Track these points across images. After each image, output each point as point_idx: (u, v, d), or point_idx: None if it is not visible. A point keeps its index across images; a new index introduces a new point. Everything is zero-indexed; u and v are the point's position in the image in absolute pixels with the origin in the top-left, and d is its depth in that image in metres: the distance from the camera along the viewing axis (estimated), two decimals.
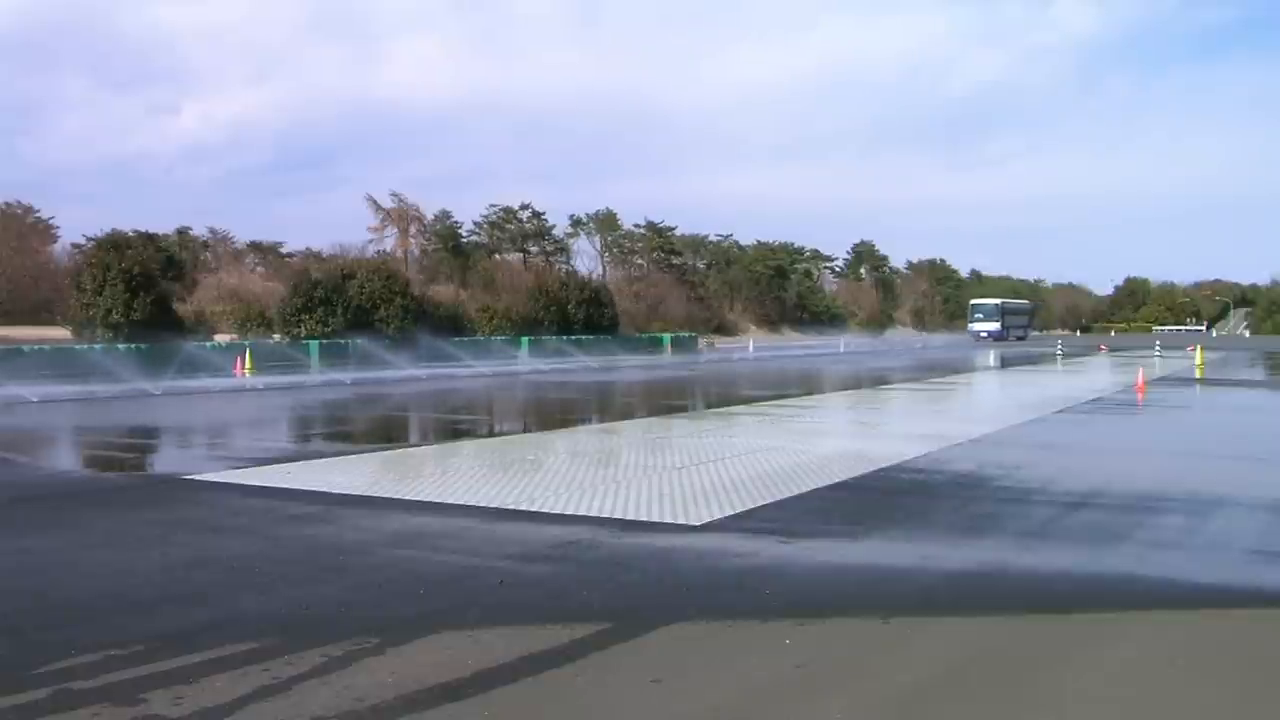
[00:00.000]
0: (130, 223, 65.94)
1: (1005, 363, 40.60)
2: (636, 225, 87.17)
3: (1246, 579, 6.48)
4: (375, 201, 71.97)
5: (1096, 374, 32.24)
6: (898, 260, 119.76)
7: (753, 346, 55.69)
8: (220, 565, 6.59)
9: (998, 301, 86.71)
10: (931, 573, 6.44)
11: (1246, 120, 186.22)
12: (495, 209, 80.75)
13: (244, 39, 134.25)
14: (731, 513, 8.25)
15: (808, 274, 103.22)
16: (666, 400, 22.67)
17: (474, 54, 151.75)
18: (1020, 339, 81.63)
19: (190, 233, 72.03)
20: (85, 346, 32.51)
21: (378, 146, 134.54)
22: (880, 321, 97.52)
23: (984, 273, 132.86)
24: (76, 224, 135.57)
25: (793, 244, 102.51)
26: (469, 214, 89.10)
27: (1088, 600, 5.85)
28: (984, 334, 78.30)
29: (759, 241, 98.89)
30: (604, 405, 21.88)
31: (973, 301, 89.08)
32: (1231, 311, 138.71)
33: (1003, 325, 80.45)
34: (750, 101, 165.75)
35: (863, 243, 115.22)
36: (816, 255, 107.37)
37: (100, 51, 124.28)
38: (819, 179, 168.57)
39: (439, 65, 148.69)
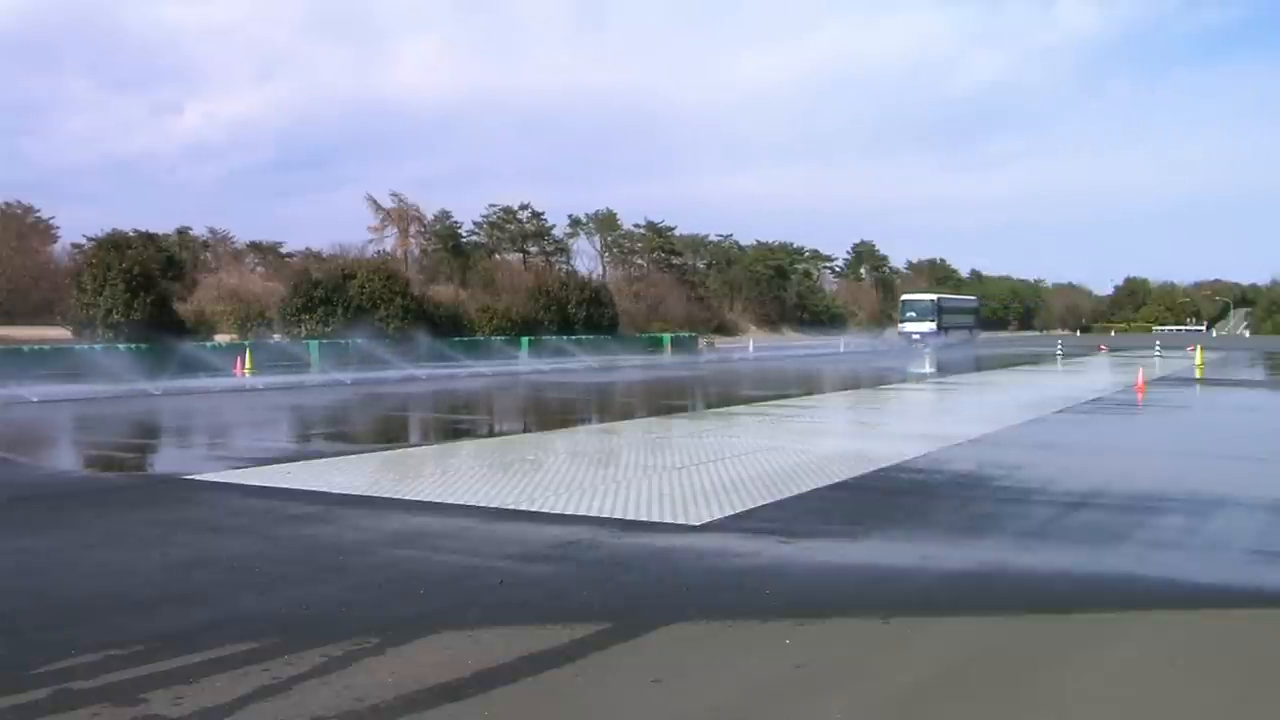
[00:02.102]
0: (131, 222, 65.87)
1: (1000, 365, 40.57)
2: (636, 225, 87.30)
3: (1246, 579, 6.48)
4: (375, 201, 72.05)
5: (1096, 374, 32.24)
6: (898, 260, 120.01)
7: (753, 346, 55.61)
8: (220, 565, 6.59)
9: (933, 297, 73.94)
10: (931, 573, 6.44)
11: (1247, 120, 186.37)
12: (495, 209, 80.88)
13: (247, 39, 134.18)
14: (731, 513, 8.25)
15: (808, 274, 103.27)
16: (666, 400, 22.67)
17: (476, 54, 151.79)
18: (963, 341, 69.11)
19: (190, 233, 72.13)
20: (85, 346, 32.51)
21: (379, 146, 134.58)
22: (880, 321, 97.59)
23: (984, 273, 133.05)
24: (77, 224, 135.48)
25: (793, 244, 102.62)
26: (470, 213, 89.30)
27: (1088, 600, 5.85)
28: (916, 336, 65.57)
29: (759, 241, 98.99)
30: (604, 405, 21.88)
31: (904, 298, 75.48)
32: (1231, 311, 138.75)
33: (940, 325, 68.04)
34: (751, 102, 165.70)
35: (863, 243, 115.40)
36: (816, 255, 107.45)
37: (103, 51, 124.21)
38: (819, 179, 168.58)
39: (442, 65, 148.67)
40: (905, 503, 9.02)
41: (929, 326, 66.81)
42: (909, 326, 68.11)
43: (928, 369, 35.77)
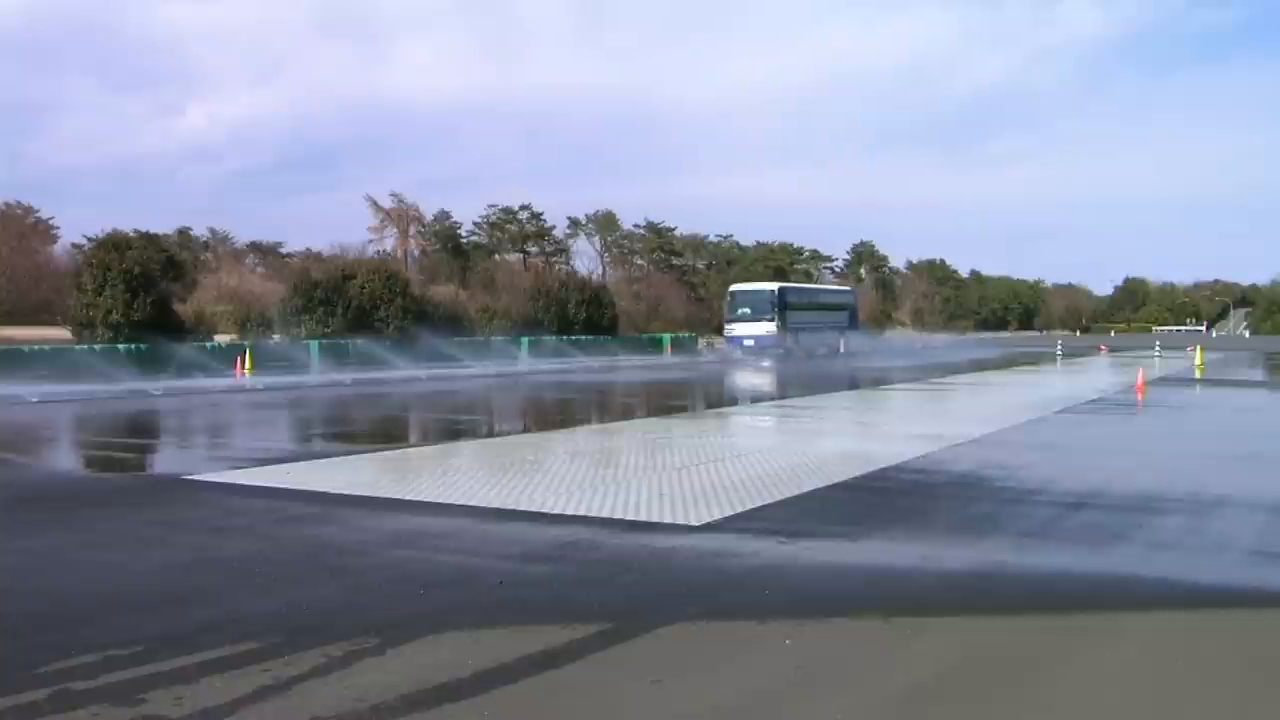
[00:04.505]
0: (131, 223, 66.21)
1: (998, 366, 40.48)
2: (636, 226, 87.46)
3: (1246, 579, 6.48)
4: (375, 202, 72.23)
5: (1096, 374, 32.24)
6: (898, 260, 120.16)
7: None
8: (220, 565, 6.59)
9: (772, 288, 51.13)
10: (931, 573, 6.43)
11: (1247, 121, 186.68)
12: (495, 209, 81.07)
13: (249, 40, 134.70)
14: (731, 513, 8.24)
15: (808, 274, 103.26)
16: (666, 400, 22.66)
17: (477, 55, 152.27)
18: (822, 351, 49.29)
19: (190, 233, 72.25)
20: (85, 347, 32.51)
21: (380, 147, 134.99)
22: (880, 321, 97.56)
23: (984, 273, 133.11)
24: (77, 224, 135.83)
25: (793, 244, 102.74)
26: (470, 214, 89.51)
27: (1088, 600, 5.85)
28: (749, 341, 46.95)
29: (759, 242, 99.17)
30: (604, 405, 21.88)
31: (732, 289, 52.87)
32: (1231, 312, 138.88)
33: (783, 327, 47.52)
34: (751, 102, 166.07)
35: (863, 243, 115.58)
36: (816, 255, 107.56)
37: (104, 51, 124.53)
38: (819, 179, 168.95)
39: (443, 66, 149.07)
40: (905, 503, 9.01)
41: (766, 329, 47.05)
42: (738, 329, 48.18)
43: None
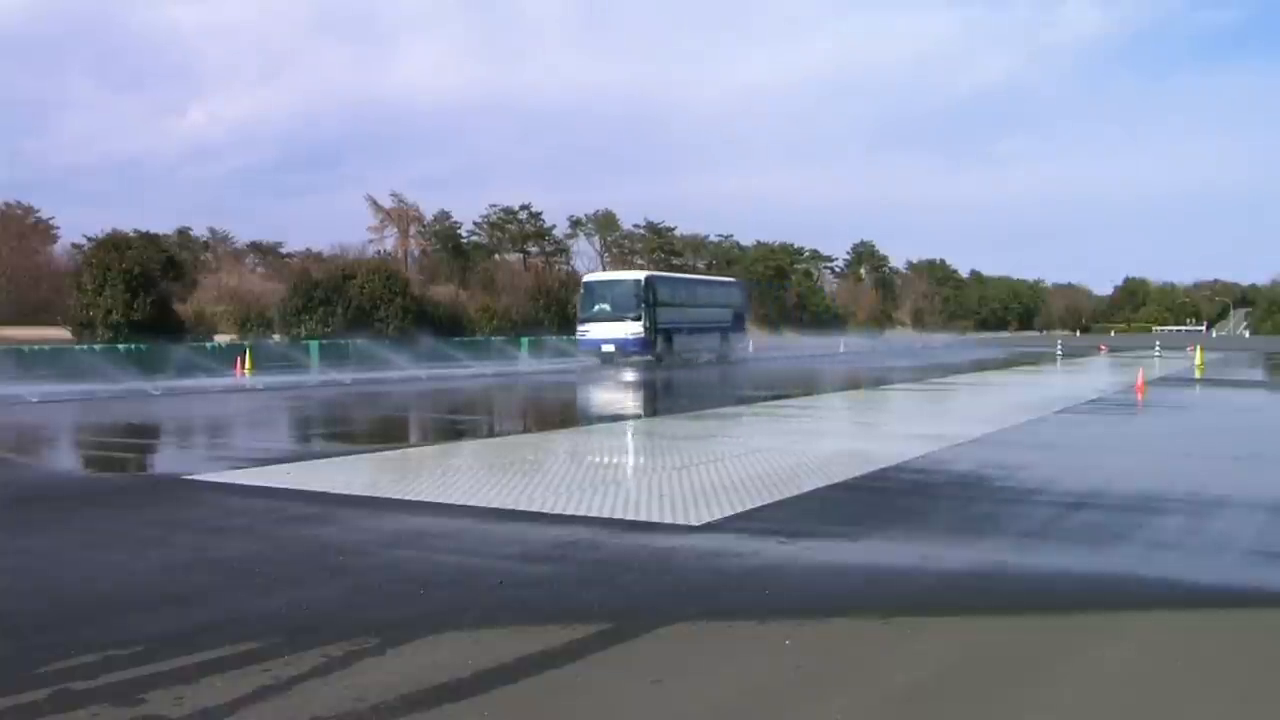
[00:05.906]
0: (131, 223, 66.26)
1: (999, 366, 40.47)
2: (636, 226, 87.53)
3: (1246, 579, 6.48)
4: (375, 202, 72.30)
5: (1096, 374, 32.23)
6: (898, 260, 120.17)
7: (752, 346, 55.52)
8: (220, 565, 6.58)
9: (637, 278, 39.67)
10: (931, 573, 6.43)
11: (1247, 121, 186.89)
12: (495, 209, 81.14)
13: (250, 39, 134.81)
14: (732, 513, 8.24)
15: (808, 274, 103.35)
16: (666, 401, 22.66)
17: (480, 55, 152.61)
18: (710, 357, 42.05)
19: (191, 233, 72.30)
20: (85, 347, 32.52)
21: (381, 146, 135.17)
22: (880, 322, 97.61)
23: (984, 273, 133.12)
24: (77, 224, 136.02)
25: (793, 244, 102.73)
26: (472, 213, 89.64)
27: (1088, 600, 5.84)
28: (608, 347, 37.11)
29: (759, 241, 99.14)
30: (604, 406, 21.87)
31: (586, 279, 43.45)
32: (1231, 311, 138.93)
33: (651, 327, 37.55)
34: (753, 102, 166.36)
35: (863, 243, 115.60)
36: (816, 255, 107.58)
37: (105, 51, 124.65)
38: (820, 179, 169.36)
39: (445, 66, 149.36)
40: (906, 503, 9.01)
41: (630, 330, 37.11)
42: (594, 330, 37.89)
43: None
